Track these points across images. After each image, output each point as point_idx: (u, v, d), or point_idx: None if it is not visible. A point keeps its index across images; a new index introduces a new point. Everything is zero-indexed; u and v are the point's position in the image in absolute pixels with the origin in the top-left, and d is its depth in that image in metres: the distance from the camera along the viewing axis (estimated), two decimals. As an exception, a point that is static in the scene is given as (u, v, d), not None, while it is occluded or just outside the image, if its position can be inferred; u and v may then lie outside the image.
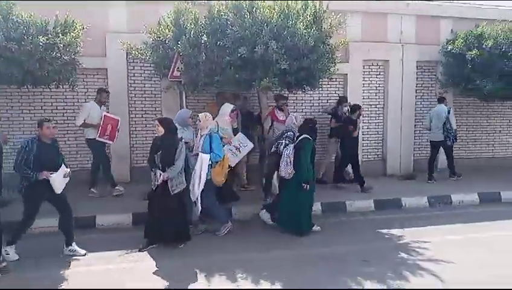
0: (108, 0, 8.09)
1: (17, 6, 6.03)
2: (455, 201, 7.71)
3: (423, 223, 6.58)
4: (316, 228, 6.14)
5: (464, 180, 8.85)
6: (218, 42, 6.30)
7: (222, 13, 6.37)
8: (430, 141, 9.09)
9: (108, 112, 7.66)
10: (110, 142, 7.53)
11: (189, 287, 4.45)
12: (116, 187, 7.54)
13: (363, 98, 9.43)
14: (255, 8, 6.38)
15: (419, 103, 9.82)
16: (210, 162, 5.82)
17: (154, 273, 4.79)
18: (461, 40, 8.74)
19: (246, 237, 5.97)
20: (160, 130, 5.34)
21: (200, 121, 6.00)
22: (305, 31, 6.31)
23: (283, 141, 6.25)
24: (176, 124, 5.82)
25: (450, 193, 7.88)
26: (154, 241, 5.44)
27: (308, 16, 6.54)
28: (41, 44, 5.83)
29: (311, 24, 6.56)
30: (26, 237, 5.21)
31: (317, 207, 6.90)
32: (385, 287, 4.27)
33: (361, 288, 4.14)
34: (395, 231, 6.20)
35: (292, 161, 5.96)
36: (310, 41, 6.36)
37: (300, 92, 7.77)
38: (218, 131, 6.63)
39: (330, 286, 4.42)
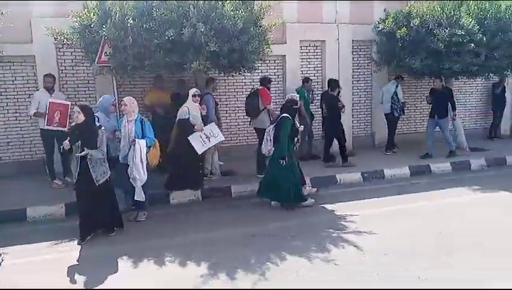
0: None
1: None
2: (388, 175, 8.06)
3: (355, 197, 6.85)
4: (308, 202, 6.41)
5: (399, 155, 9.26)
6: (145, 25, 6.19)
7: (148, -4, 6.24)
8: (384, 114, 9.49)
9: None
10: (63, 129, 7.04)
11: (122, 276, 4.44)
12: (55, 181, 7.34)
13: (302, 79, 9.56)
14: (180, -10, 6.29)
15: (355, 82, 10.10)
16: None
17: (78, 261, 4.76)
18: (391, 19, 9.01)
19: (186, 221, 6.03)
20: (81, 118, 5.10)
21: (126, 105, 5.85)
22: (232, 13, 6.31)
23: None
24: (99, 113, 5.69)
25: (383, 167, 8.22)
26: (88, 232, 5.32)
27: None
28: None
29: (240, 6, 6.55)
30: None
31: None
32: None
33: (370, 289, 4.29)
34: (327, 206, 6.43)
35: (272, 139, 6.32)
36: (238, 24, 6.36)
37: (237, 74, 7.76)
38: (189, 117, 6.66)
39: (257, 262, 4.55)
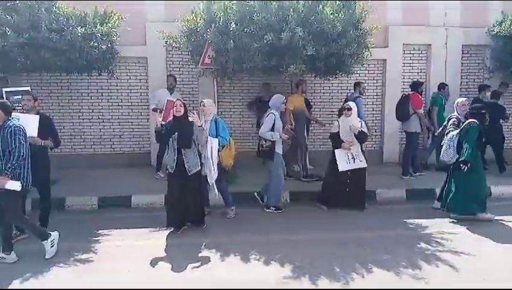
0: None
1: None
2: (496, 193, 7.32)
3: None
4: (488, 216, 6.00)
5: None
6: (246, 29, 6.41)
7: (251, 2, 6.44)
8: None
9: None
10: None
11: (202, 266, 4.67)
12: (159, 173, 7.92)
13: (404, 84, 9.13)
14: (281, -6, 6.41)
15: (464, 89, 9.34)
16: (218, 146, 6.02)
17: (170, 249, 5.09)
18: (509, 22, 8.17)
19: (272, 221, 6.11)
20: (182, 111, 5.50)
21: (204, 106, 6.04)
22: (332, 16, 6.25)
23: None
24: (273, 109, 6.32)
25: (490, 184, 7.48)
26: (178, 221, 5.65)
27: (336, 0, 6.44)
28: (79, 34, 6.25)
29: (340, 9, 6.47)
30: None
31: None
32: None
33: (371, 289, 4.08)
34: (424, 221, 6.04)
35: (455, 146, 6.00)
36: (337, 27, 6.29)
37: (333, 78, 7.68)
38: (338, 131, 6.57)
39: (342, 271, 4.45)
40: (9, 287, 4.17)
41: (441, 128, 6.86)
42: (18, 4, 6.10)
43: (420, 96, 8.01)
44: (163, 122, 5.59)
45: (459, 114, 6.30)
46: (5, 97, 5.55)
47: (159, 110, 7.57)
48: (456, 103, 6.43)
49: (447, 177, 6.40)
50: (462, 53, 9.19)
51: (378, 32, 7.21)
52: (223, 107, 8.87)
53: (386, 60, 9.04)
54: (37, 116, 5.20)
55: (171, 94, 7.87)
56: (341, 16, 6.33)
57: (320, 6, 6.38)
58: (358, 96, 8.00)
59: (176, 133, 5.45)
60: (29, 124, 5.06)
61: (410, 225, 5.93)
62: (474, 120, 5.96)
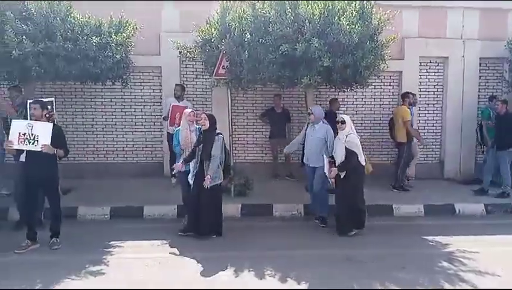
0: (160, 0, 8.45)
1: (74, 8, 6.52)
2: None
3: (476, 231, 6.15)
4: None
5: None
6: (261, 40, 6.35)
7: (264, 11, 6.40)
8: None
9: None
10: None
11: (217, 281, 4.55)
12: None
13: (420, 97, 8.98)
14: (297, 6, 6.34)
15: (482, 102, 9.13)
16: None
17: (185, 262, 4.99)
18: (529, 34, 8.01)
19: (286, 235, 5.98)
20: (206, 124, 5.66)
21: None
22: (348, 27, 6.16)
23: None
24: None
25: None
26: (191, 230, 5.70)
27: (353, 12, 6.37)
28: (94, 43, 6.24)
29: (357, 20, 6.39)
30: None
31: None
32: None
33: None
34: (443, 239, 5.84)
35: None
36: (354, 38, 6.21)
37: (348, 90, 7.58)
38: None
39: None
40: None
41: None
42: (34, 13, 6.11)
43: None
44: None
45: None
46: (28, 108, 5.55)
47: (169, 116, 7.59)
48: None
49: None
50: (480, 66, 9.02)
51: (394, 44, 7.13)
52: (237, 118, 8.78)
53: (401, 72, 8.91)
54: (51, 125, 5.19)
55: (179, 102, 7.85)
56: (358, 28, 6.24)
57: (337, 18, 6.30)
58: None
59: (202, 145, 5.60)
60: (43, 132, 5.05)
61: (430, 243, 5.75)
62: None
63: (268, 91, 8.56)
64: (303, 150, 6.59)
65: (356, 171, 5.87)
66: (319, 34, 6.23)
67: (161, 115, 8.50)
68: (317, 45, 6.09)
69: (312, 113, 6.33)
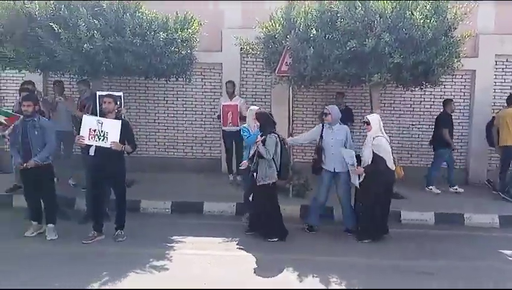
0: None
1: (142, 4, 6.62)
2: None
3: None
4: None
5: None
6: (328, 35, 6.14)
7: (332, 5, 6.17)
8: None
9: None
10: (237, 127, 7.52)
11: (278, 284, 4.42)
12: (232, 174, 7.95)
13: (494, 98, 8.39)
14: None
15: None
16: None
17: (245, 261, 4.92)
18: None
19: (346, 238, 5.77)
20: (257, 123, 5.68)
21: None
22: (422, 21, 5.80)
23: None
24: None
25: None
26: (254, 229, 5.68)
27: (427, 5, 5.99)
28: (161, 39, 6.31)
29: (432, 15, 6.00)
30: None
31: (429, 217, 6.48)
32: None
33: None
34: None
35: None
36: (428, 33, 5.83)
37: (417, 89, 7.18)
38: None
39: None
40: (88, 287, 4.18)
41: None
42: (105, 9, 6.27)
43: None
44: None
45: None
46: (98, 100, 5.71)
47: (222, 116, 7.65)
48: None
49: None
50: None
51: (467, 41, 6.65)
52: (295, 116, 8.59)
53: (475, 70, 8.33)
54: (119, 122, 5.27)
55: (231, 99, 7.80)
56: (432, 22, 5.86)
57: (409, 12, 5.95)
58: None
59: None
60: (112, 129, 5.14)
61: (508, 257, 5.30)
62: None
63: (330, 89, 8.30)
64: (317, 153, 6.04)
65: (378, 179, 5.48)
66: (390, 29, 5.91)
67: (220, 111, 8.51)
68: (387, 40, 5.78)
69: (330, 114, 5.86)
